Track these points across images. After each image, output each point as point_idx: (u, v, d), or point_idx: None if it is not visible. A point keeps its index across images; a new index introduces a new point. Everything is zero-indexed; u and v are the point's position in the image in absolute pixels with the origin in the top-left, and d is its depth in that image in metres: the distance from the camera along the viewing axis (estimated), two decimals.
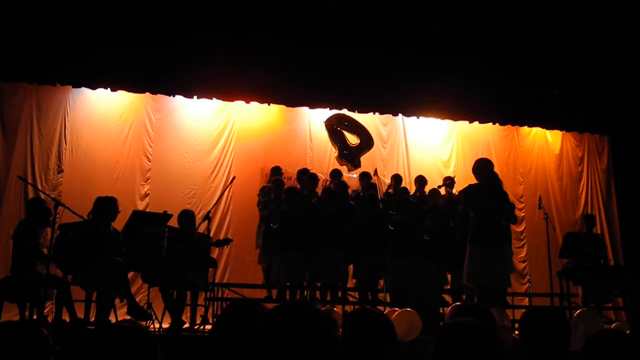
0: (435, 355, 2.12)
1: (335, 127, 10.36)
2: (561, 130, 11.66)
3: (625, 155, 11.33)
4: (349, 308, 7.85)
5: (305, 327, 1.82)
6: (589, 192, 11.60)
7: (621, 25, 9.66)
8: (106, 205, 6.48)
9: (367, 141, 10.39)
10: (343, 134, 10.40)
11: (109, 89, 9.22)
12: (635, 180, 10.94)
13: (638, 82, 10.38)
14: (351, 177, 9.72)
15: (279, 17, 8.87)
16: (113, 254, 6.25)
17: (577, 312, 6.63)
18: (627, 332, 4.90)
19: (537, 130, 11.69)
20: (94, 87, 9.20)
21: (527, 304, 9.12)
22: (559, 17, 9.58)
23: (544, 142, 11.77)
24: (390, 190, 9.04)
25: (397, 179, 9.19)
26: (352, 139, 10.41)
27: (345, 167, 10.20)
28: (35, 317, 6.03)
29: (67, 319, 6.22)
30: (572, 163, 11.75)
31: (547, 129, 11.64)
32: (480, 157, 7.29)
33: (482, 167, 6.77)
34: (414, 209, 8.10)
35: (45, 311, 6.50)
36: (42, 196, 7.22)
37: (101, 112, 9.51)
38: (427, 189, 8.87)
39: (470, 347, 2.06)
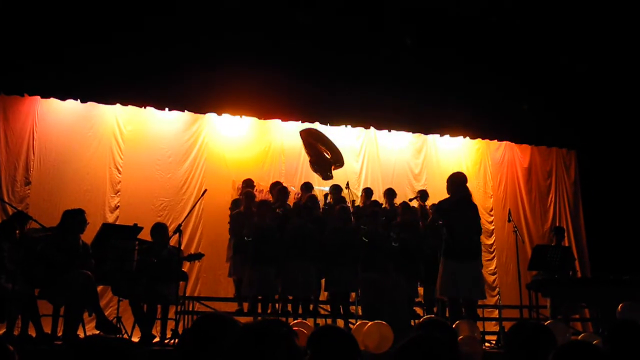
0: None
1: (310, 140, 10.34)
2: (530, 144, 11.85)
3: (592, 169, 11.55)
4: (320, 321, 7.84)
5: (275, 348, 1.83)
6: (557, 205, 11.79)
7: (589, 42, 9.89)
8: (73, 218, 6.39)
9: (335, 160, 10.39)
10: (318, 146, 10.39)
11: (78, 100, 9.10)
12: (601, 193, 11.16)
13: (604, 98, 10.63)
14: (322, 190, 9.72)
15: (250, 29, 8.89)
16: (82, 267, 6.16)
17: (546, 323, 6.71)
18: (595, 342, 4.99)
19: (506, 144, 11.86)
20: (63, 98, 9.08)
21: (497, 316, 9.20)
22: (528, 33, 9.77)
23: (514, 155, 11.95)
24: (360, 204, 9.07)
25: (367, 192, 9.24)
26: (325, 155, 10.41)
27: (319, 175, 10.18)
28: (1, 332, 5.90)
29: (34, 334, 6.10)
30: (540, 177, 11.93)
31: (517, 143, 11.82)
32: (454, 171, 7.39)
33: (455, 181, 6.88)
34: (384, 221, 8.14)
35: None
36: (9, 208, 7.10)
37: (71, 123, 9.37)
38: (398, 201, 8.95)
39: None
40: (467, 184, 7.02)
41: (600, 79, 10.46)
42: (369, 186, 9.79)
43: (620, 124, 10.71)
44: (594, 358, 2.40)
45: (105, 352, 2.01)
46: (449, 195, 6.92)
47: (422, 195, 9.01)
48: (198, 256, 7.27)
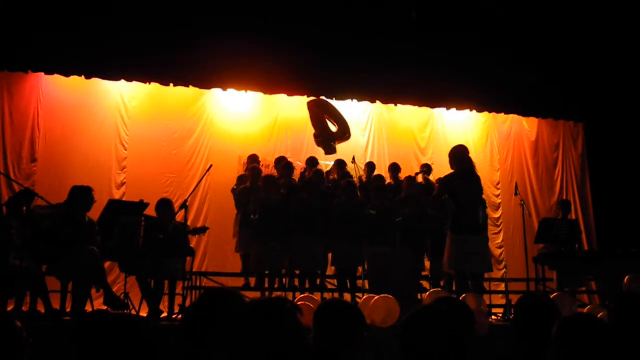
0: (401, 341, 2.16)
1: (316, 111, 10.28)
2: (537, 117, 11.76)
3: (599, 142, 11.47)
4: (327, 295, 7.88)
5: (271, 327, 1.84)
6: (564, 178, 11.74)
7: (597, 16, 9.77)
8: (82, 195, 6.41)
9: (342, 132, 10.31)
10: (324, 118, 10.32)
11: (82, 76, 9.06)
12: (608, 166, 11.10)
13: (611, 70, 10.51)
14: (327, 164, 9.69)
15: (254, 4, 8.81)
16: (89, 243, 6.19)
17: (552, 296, 6.73)
18: (600, 314, 5.00)
19: (513, 117, 11.77)
20: (67, 75, 9.03)
21: (504, 289, 9.23)
22: (534, 4, 9.65)
23: (520, 128, 11.87)
24: (363, 178, 9.03)
25: (369, 166, 9.21)
26: (332, 127, 10.37)
27: (323, 149, 10.16)
28: (9, 308, 5.96)
29: (42, 310, 6.16)
30: (547, 149, 11.87)
31: (523, 115, 11.73)
32: (455, 144, 7.34)
33: (457, 154, 6.85)
34: (389, 195, 8.12)
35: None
36: (15, 186, 7.12)
37: (75, 99, 9.35)
38: (404, 175, 8.92)
39: (434, 339, 2.10)
40: (473, 157, 6.98)
41: (608, 51, 10.34)
42: (374, 160, 9.77)
43: (628, 96, 10.60)
44: (597, 330, 2.40)
45: (114, 327, 2.02)
46: (452, 170, 6.90)
47: (426, 169, 8.99)
48: (202, 229, 7.31)
